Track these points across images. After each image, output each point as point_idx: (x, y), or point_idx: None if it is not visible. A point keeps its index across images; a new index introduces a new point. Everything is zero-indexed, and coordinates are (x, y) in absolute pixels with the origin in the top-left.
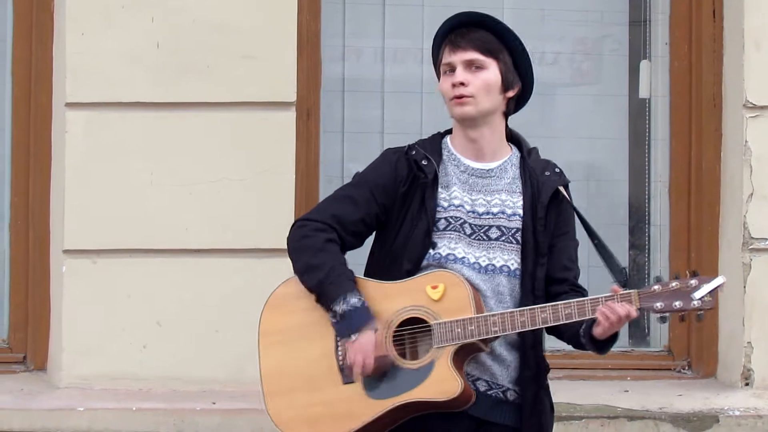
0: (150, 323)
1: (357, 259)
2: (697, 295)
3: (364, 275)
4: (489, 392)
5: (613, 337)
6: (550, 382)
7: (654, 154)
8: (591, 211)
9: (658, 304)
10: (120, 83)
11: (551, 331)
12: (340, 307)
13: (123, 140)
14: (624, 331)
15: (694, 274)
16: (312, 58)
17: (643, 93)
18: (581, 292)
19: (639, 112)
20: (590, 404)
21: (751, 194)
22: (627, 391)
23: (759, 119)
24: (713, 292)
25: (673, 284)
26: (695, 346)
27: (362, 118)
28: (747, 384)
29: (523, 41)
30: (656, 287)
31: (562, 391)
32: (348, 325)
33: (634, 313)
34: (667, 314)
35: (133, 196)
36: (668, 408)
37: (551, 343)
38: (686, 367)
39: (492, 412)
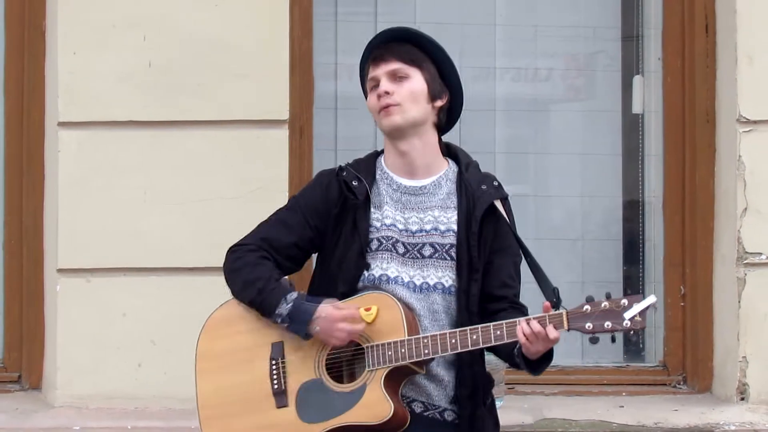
0: (145, 342)
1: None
2: (628, 315)
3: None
4: (425, 413)
5: (547, 358)
6: (544, 398)
7: (647, 169)
8: (584, 227)
9: (588, 325)
10: (112, 102)
11: (490, 348)
12: (283, 309)
13: (116, 159)
14: (619, 347)
15: (625, 293)
16: (304, 75)
17: (636, 108)
18: (521, 309)
19: (632, 127)
20: (585, 420)
21: (745, 209)
22: (622, 406)
23: (752, 134)
24: (644, 312)
25: (604, 304)
26: (690, 360)
27: (355, 135)
28: (742, 398)
29: (448, 52)
30: (587, 307)
31: (557, 407)
32: (300, 321)
33: (554, 333)
34: (598, 335)
35: (126, 215)
36: (664, 423)
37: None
38: (681, 382)
39: None
